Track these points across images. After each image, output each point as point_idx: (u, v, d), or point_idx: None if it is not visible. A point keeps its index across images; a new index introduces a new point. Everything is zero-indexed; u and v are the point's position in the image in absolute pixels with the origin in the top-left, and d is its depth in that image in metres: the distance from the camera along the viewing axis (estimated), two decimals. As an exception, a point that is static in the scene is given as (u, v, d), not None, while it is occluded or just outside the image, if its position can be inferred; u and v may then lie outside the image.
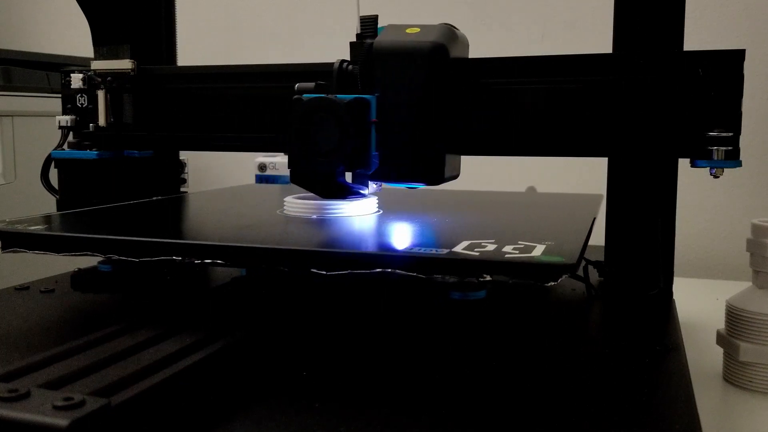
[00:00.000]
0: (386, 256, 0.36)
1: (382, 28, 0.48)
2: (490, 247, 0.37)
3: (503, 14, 1.04)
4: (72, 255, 0.40)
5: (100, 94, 0.61)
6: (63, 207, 0.63)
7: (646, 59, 0.46)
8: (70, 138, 0.63)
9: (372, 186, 0.49)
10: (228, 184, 1.02)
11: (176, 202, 0.61)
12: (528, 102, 0.49)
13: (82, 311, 0.47)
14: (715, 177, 0.46)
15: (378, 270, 0.35)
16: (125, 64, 0.60)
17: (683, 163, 0.49)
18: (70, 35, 1.31)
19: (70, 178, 0.63)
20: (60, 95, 0.63)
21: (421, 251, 0.36)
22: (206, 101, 0.59)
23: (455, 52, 0.47)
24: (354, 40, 0.49)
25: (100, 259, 0.48)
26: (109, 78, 0.61)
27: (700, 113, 0.46)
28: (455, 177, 0.50)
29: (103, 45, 0.62)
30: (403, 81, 0.45)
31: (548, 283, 0.33)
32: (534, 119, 0.49)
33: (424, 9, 1.07)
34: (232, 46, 1.22)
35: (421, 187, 0.48)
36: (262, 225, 0.47)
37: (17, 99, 0.98)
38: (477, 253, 0.35)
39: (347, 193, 0.47)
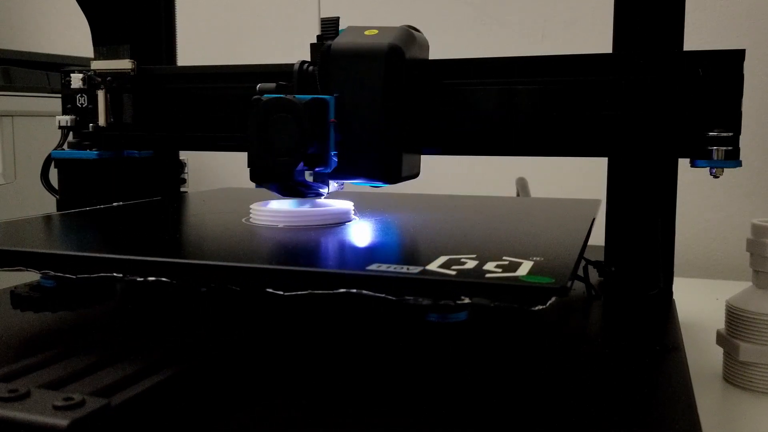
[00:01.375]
0: (349, 275, 0.32)
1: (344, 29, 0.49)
2: (470, 264, 0.33)
3: (503, 14, 1.04)
4: (6, 271, 0.37)
5: (100, 94, 0.61)
6: (63, 207, 0.63)
7: (646, 59, 0.46)
8: (70, 138, 0.63)
9: (333, 185, 0.48)
10: (228, 184, 1.03)
11: (137, 208, 0.57)
12: (529, 102, 0.49)
13: (80, 313, 0.47)
14: (715, 177, 0.46)
15: (341, 290, 0.31)
16: (125, 64, 0.60)
17: (683, 163, 0.49)
18: (70, 35, 1.31)
19: (70, 178, 0.63)
20: (60, 95, 0.63)
21: (390, 269, 0.32)
22: (206, 101, 0.59)
23: (412, 54, 0.47)
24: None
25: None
26: (109, 78, 0.61)
27: (700, 113, 0.46)
28: (415, 176, 0.50)
29: (103, 45, 0.62)
30: (361, 82, 0.46)
31: (535, 307, 0.29)
32: (535, 119, 0.49)
33: (425, 9, 1.07)
34: (232, 46, 1.22)
35: (381, 185, 0.48)
36: (220, 236, 0.45)
37: (17, 99, 0.98)
38: (453, 272, 0.31)
39: (307, 191, 0.47)
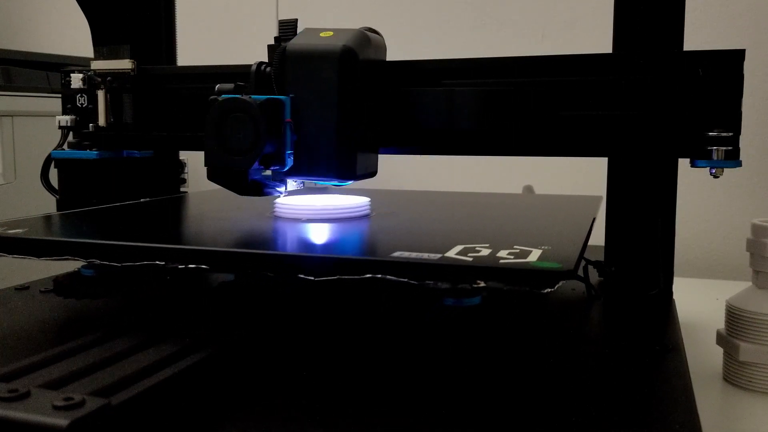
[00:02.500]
0: (376, 261, 0.35)
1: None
2: (484, 252, 0.36)
3: (503, 14, 1.04)
4: (52, 260, 0.39)
5: (100, 94, 0.61)
6: (63, 207, 0.63)
7: (646, 59, 0.46)
8: (70, 138, 0.63)
9: (292, 183, 0.49)
10: (228, 184, 1.02)
11: (164, 204, 0.60)
12: (529, 102, 0.49)
13: (82, 312, 0.47)
14: (715, 177, 0.46)
15: (368, 276, 0.34)
16: (125, 64, 0.60)
17: (683, 163, 0.49)
18: (70, 35, 1.31)
19: (70, 178, 0.63)
20: (60, 95, 0.63)
21: (412, 256, 0.34)
22: (206, 101, 0.59)
23: (367, 55, 0.48)
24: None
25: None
26: (109, 78, 0.61)
27: (700, 113, 0.46)
28: (372, 175, 0.51)
29: (103, 45, 0.62)
30: (315, 82, 0.46)
31: (544, 290, 0.32)
32: (535, 119, 0.49)
33: (425, 9, 1.07)
34: (233, 46, 1.22)
35: (339, 184, 0.49)
36: (250, 228, 0.47)
37: (17, 99, 0.98)
38: (470, 259, 0.34)
39: (262, 190, 0.48)
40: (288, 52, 0.47)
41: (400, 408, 0.32)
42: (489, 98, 0.49)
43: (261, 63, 0.49)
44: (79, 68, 0.62)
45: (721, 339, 0.46)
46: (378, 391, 0.34)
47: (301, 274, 0.35)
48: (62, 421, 0.24)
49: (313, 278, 0.35)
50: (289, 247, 0.41)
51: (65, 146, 0.62)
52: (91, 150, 0.61)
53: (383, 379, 0.35)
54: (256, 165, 0.44)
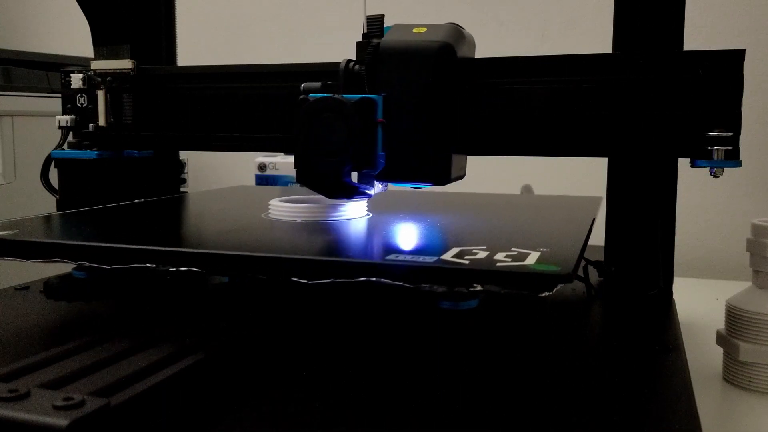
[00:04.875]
0: (370, 264, 0.34)
1: (389, 27, 0.48)
2: (481, 255, 0.35)
3: (503, 14, 1.04)
4: (42, 262, 0.39)
5: (100, 94, 0.61)
6: (63, 207, 0.63)
7: (646, 59, 0.46)
8: (70, 138, 0.63)
9: (378, 186, 0.48)
10: (228, 184, 1.02)
11: (158, 205, 0.59)
12: (529, 102, 0.49)
13: (82, 312, 0.47)
14: (715, 177, 0.46)
15: (362, 279, 0.33)
16: (125, 64, 0.60)
17: (683, 163, 0.49)
18: (70, 35, 1.31)
19: (70, 178, 0.63)
20: (60, 95, 0.63)
21: (407, 259, 0.34)
22: (206, 101, 0.59)
23: (462, 52, 0.47)
24: (360, 39, 0.49)
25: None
26: (109, 78, 0.61)
27: (700, 113, 0.46)
28: (461, 177, 0.50)
29: (103, 45, 0.62)
30: (410, 81, 0.45)
31: (542, 293, 0.31)
32: (535, 119, 0.49)
33: (425, 9, 1.07)
34: (232, 46, 1.22)
35: (427, 187, 0.48)
36: (243, 230, 0.46)
37: (17, 99, 0.98)
38: (467, 262, 0.34)
39: (353, 192, 0.46)
40: (382, 49, 0.45)
41: (400, 410, 0.32)
42: (489, 98, 0.49)
43: (350, 61, 0.47)
44: (79, 68, 0.62)
45: (721, 339, 0.46)
46: (376, 393, 0.34)
47: (294, 276, 0.34)
48: (62, 421, 0.24)
49: (306, 281, 0.34)
50: (282, 249, 0.40)
51: (65, 146, 0.62)
52: (91, 150, 0.61)
53: (382, 381, 0.35)
54: (347, 167, 0.43)
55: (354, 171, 0.44)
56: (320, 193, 0.46)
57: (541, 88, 0.48)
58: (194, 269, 0.36)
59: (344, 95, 0.43)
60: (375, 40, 0.46)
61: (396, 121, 0.45)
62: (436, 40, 0.45)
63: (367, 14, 0.48)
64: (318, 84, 0.45)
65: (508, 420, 0.31)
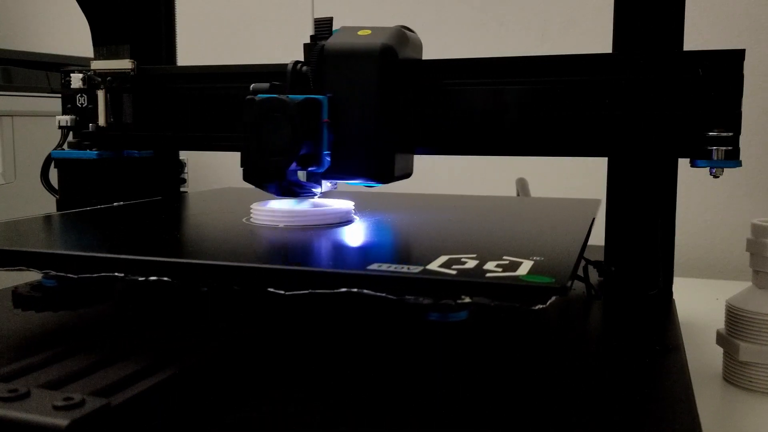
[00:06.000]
0: (350, 275, 0.32)
1: (337, 30, 0.49)
2: (470, 264, 0.33)
3: (503, 14, 1.04)
4: (5, 270, 0.37)
5: (100, 94, 0.61)
6: (63, 207, 0.63)
7: (646, 59, 0.46)
8: (70, 138, 0.63)
9: (326, 184, 0.49)
10: (228, 184, 1.02)
11: (137, 208, 0.57)
12: (520, 101, 0.49)
13: (82, 312, 0.47)
14: (715, 177, 0.46)
15: (342, 290, 0.31)
16: (125, 64, 0.60)
17: (683, 163, 0.49)
18: (70, 35, 1.31)
19: (70, 178, 0.63)
20: (60, 95, 0.63)
21: (390, 269, 0.32)
22: (206, 101, 0.59)
23: (406, 54, 0.47)
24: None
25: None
26: (109, 78, 0.61)
27: (700, 113, 0.46)
28: (408, 176, 0.50)
29: (103, 45, 0.62)
30: (353, 82, 0.46)
31: (535, 306, 0.29)
32: (534, 119, 0.49)
33: (424, 9, 1.07)
34: (232, 46, 1.22)
35: (375, 185, 0.48)
36: (220, 236, 0.45)
37: (17, 99, 0.98)
38: (454, 272, 0.31)
39: (300, 191, 0.47)
40: (326, 51, 0.47)
41: (400, 410, 0.32)
42: (488, 98, 0.49)
43: (297, 62, 0.48)
44: (79, 68, 0.62)
45: (721, 339, 0.46)
46: (376, 393, 0.34)
47: (270, 287, 0.33)
48: (62, 421, 0.24)
49: (283, 292, 0.32)
50: (260, 257, 0.38)
51: (65, 146, 0.62)
52: (91, 150, 0.61)
53: (382, 381, 0.35)
54: (293, 166, 0.44)
55: (300, 170, 0.45)
56: (266, 191, 0.47)
57: (542, 88, 0.48)
58: (164, 279, 0.34)
59: (290, 95, 0.44)
60: (321, 42, 0.47)
61: (341, 121, 0.46)
62: (378, 42, 0.46)
63: (316, 17, 0.49)
64: (267, 84, 0.46)
65: (508, 420, 0.31)
